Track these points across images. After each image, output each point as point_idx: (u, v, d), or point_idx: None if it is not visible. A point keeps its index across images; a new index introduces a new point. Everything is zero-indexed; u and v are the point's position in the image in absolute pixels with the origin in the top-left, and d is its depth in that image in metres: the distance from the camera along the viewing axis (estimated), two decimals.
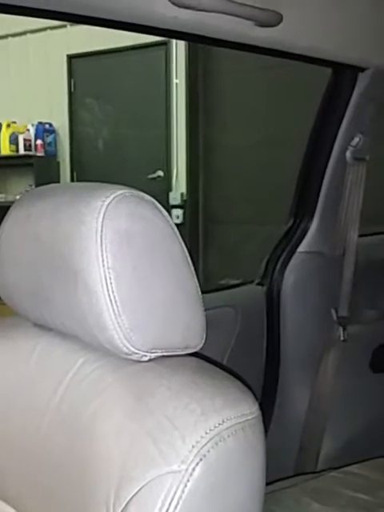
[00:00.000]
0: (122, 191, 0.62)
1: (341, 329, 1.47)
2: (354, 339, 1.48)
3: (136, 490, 0.53)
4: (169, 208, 4.37)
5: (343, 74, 1.34)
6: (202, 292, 0.67)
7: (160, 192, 4.20)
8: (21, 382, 0.71)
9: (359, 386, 1.53)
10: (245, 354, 1.38)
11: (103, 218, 0.60)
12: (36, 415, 0.67)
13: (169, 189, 4.48)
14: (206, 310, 0.67)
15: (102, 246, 0.60)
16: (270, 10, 0.95)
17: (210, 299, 1.31)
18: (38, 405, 0.67)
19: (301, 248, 1.45)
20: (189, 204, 4.43)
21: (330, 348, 1.48)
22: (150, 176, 4.49)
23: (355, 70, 1.31)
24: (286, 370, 1.46)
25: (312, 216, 1.44)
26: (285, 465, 1.47)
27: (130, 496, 0.53)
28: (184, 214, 4.42)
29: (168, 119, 4.48)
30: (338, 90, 1.36)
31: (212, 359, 0.67)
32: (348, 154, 1.38)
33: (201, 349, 0.67)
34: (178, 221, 4.34)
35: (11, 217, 0.73)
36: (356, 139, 1.37)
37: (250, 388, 0.61)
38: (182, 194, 4.44)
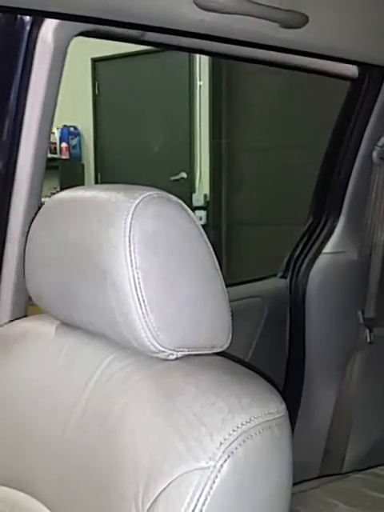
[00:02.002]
0: (149, 193, 0.63)
1: (367, 331, 1.45)
2: (381, 341, 1.47)
3: (164, 486, 0.54)
4: (192, 209, 4.36)
5: (369, 74, 1.33)
6: (230, 285, 0.68)
7: (183, 193, 4.21)
8: (49, 380, 0.73)
9: None
10: (272, 341, 1.42)
11: (132, 218, 0.61)
12: (64, 412, 0.68)
13: (192, 190, 4.49)
14: (234, 300, 0.68)
15: (130, 246, 0.61)
16: (295, 11, 0.95)
17: (237, 291, 1.39)
18: (67, 402, 0.68)
19: (326, 249, 1.44)
20: (212, 205, 4.43)
21: (356, 350, 1.47)
22: (174, 178, 4.50)
23: (381, 70, 1.31)
24: (311, 372, 1.45)
25: (338, 216, 1.44)
26: (310, 467, 1.47)
27: (159, 492, 0.54)
28: (207, 215, 4.42)
29: (191, 121, 4.49)
30: (365, 89, 1.35)
31: (239, 358, 0.67)
32: (375, 154, 1.37)
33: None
34: (201, 222, 4.34)
35: (40, 218, 0.75)
36: (383, 139, 1.36)
37: (276, 387, 0.61)
38: (205, 196, 4.45)
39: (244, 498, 0.55)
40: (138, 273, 0.61)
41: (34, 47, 0.92)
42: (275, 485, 0.57)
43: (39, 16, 0.89)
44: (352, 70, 1.32)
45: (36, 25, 0.91)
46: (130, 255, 0.61)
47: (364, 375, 1.47)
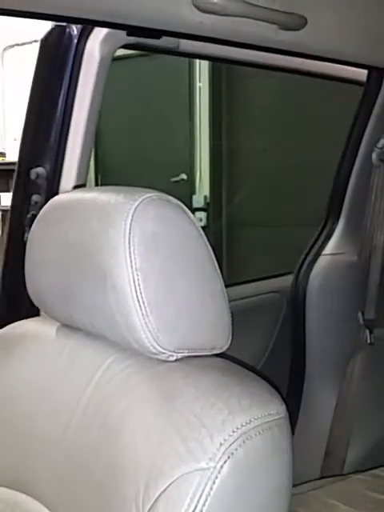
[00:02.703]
0: (149, 194, 0.64)
1: (367, 332, 1.46)
2: (381, 342, 1.47)
3: (164, 487, 0.54)
4: (192, 211, 4.37)
5: (369, 76, 1.33)
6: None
7: (183, 195, 4.21)
8: (50, 381, 0.73)
9: None
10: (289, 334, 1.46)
11: (131, 220, 0.61)
12: (65, 414, 0.68)
13: (192, 192, 4.49)
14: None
15: (130, 248, 0.61)
16: (294, 13, 0.96)
17: (255, 287, 1.44)
18: (67, 403, 0.69)
19: (326, 250, 1.44)
20: (212, 207, 4.44)
21: (356, 351, 1.47)
22: (174, 179, 4.50)
23: (381, 72, 1.31)
24: (311, 373, 1.45)
25: (338, 218, 1.44)
26: (311, 469, 1.47)
27: (159, 493, 0.54)
28: (207, 216, 4.42)
29: (191, 122, 4.49)
30: (364, 91, 1.36)
31: (239, 360, 0.67)
32: (374, 156, 1.38)
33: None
34: (202, 223, 4.34)
35: (40, 220, 0.75)
36: (382, 141, 1.36)
37: (277, 389, 0.62)
38: (205, 197, 4.45)
39: (244, 499, 0.55)
40: (137, 274, 0.61)
41: (81, 58, 1.01)
42: (275, 486, 0.57)
43: (87, 25, 0.98)
44: (351, 72, 1.33)
45: (83, 37, 1.00)
46: (130, 257, 0.61)
47: (365, 376, 1.47)
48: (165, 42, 1.02)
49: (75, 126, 1.04)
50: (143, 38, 1.00)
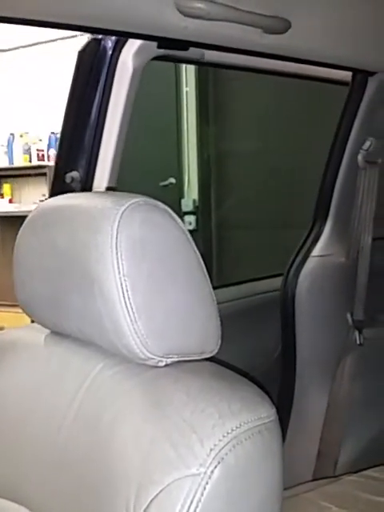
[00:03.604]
0: (136, 199, 0.63)
1: (357, 333, 1.46)
2: (371, 343, 1.48)
3: (155, 494, 0.54)
4: (181, 215, 4.37)
5: (354, 79, 1.34)
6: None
7: (172, 199, 4.22)
8: (39, 388, 0.72)
9: (377, 390, 1.52)
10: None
11: (118, 226, 0.61)
12: (55, 421, 0.68)
13: (181, 196, 4.49)
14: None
15: (117, 253, 0.61)
16: (278, 17, 0.96)
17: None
18: (57, 410, 0.68)
19: (315, 252, 1.45)
20: (201, 210, 4.44)
21: (346, 352, 1.47)
22: (162, 183, 4.50)
23: (365, 74, 1.32)
24: (302, 374, 1.46)
25: (325, 220, 1.45)
26: (303, 471, 1.47)
27: (150, 499, 0.54)
28: (196, 220, 4.42)
29: (179, 127, 4.49)
30: (349, 93, 1.36)
31: (228, 364, 0.67)
32: (360, 158, 1.38)
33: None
34: (191, 227, 4.34)
35: (28, 226, 0.75)
36: (367, 143, 1.37)
37: (267, 392, 0.62)
38: (194, 201, 4.45)
39: (235, 504, 0.55)
40: (125, 280, 0.61)
41: (115, 69, 1.07)
42: (266, 489, 0.57)
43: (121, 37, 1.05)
44: (337, 73, 1.33)
45: (117, 50, 1.06)
46: (118, 262, 0.61)
47: (355, 377, 1.47)
48: (191, 53, 1.10)
49: (108, 133, 1.11)
50: (172, 50, 1.08)
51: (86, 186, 1.12)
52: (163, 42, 1.03)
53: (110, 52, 1.07)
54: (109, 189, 1.14)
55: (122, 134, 1.11)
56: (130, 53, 1.07)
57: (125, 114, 1.10)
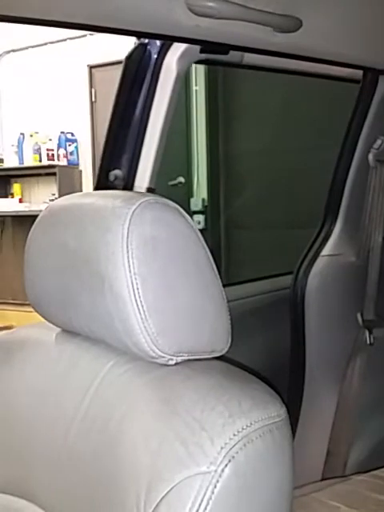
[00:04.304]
0: (147, 198, 0.64)
1: (367, 332, 1.46)
2: (381, 343, 1.47)
3: (166, 491, 0.54)
4: (190, 214, 4.38)
5: (364, 77, 1.34)
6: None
7: (181, 198, 4.22)
8: (50, 386, 0.73)
9: None
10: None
11: (129, 224, 0.61)
12: (65, 418, 0.68)
13: (190, 195, 4.49)
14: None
15: (128, 252, 0.61)
16: (289, 15, 0.96)
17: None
18: (67, 408, 0.68)
19: (324, 251, 1.45)
20: (210, 210, 4.44)
21: (356, 352, 1.47)
22: (171, 182, 4.50)
23: (375, 73, 1.31)
24: (311, 374, 1.45)
25: (336, 219, 1.44)
26: (313, 470, 1.47)
27: (160, 497, 0.54)
28: (205, 219, 4.42)
29: (188, 126, 4.49)
30: (360, 92, 1.36)
31: (238, 362, 0.67)
32: (370, 157, 1.38)
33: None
34: (200, 226, 4.34)
35: (39, 225, 0.75)
36: (379, 141, 1.37)
37: (277, 391, 0.62)
38: (203, 200, 4.45)
39: (246, 502, 0.55)
40: (136, 278, 0.61)
41: (159, 73, 1.12)
42: (276, 488, 0.57)
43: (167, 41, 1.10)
44: (348, 71, 1.33)
45: (162, 54, 1.11)
46: (128, 261, 0.61)
47: (365, 377, 1.47)
48: (231, 56, 1.14)
49: (150, 134, 1.16)
50: (213, 54, 1.12)
51: (128, 184, 1.18)
52: (173, 40, 1.03)
53: (154, 56, 1.12)
54: (149, 190, 1.20)
55: (163, 136, 1.17)
56: (174, 57, 1.13)
57: (167, 116, 1.16)
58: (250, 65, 1.25)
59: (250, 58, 1.20)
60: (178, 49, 1.12)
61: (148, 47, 1.13)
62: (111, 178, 1.18)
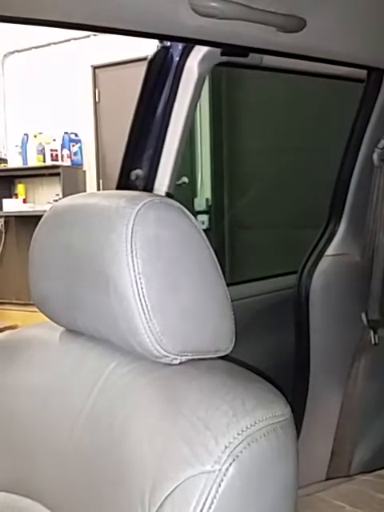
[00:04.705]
0: (151, 198, 0.64)
1: (372, 332, 1.45)
2: None
3: (170, 490, 0.54)
4: (194, 214, 4.37)
5: (369, 77, 1.33)
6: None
7: (185, 198, 4.22)
8: (54, 385, 0.73)
9: None
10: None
11: (133, 224, 0.62)
12: (70, 418, 0.68)
13: (194, 195, 4.49)
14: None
15: (132, 252, 0.61)
16: (293, 15, 0.96)
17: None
18: (72, 408, 0.69)
19: (329, 251, 1.44)
20: (214, 210, 4.44)
21: (361, 352, 1.46)
22: (175, 183, 4.51)
23: (380, 72, 1.31)
24: (316, 374, 1.45)
25: (340, 219, 1.44)
26: (317, 470, 1.46)
27: (165, 496, 0.54)
28: (209, 219, 4.42)
29: (192, 125, 4.50)
30: (364, 92, 1.36)
31: (242, 362, 0.67)
32: (375, 157, 1.38)
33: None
34: (204, 226, 4.34)
35: (43, 225, 0.75)
36: (383, 141, 1.36)
37: (281, 391, 0.62)
38: (207, 200, 4.45)
39: (250, 502, 0.55)
40: (140, 278, 0.61)
41: (181, 75, 1.14)
42: (281, 488, 0.57)
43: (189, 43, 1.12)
44: (353, 70, 1.33)
45: (183, 57, 1.13)
46: (132, 261, 0.61)
47: (369, 377, 1.47)
48: (250, 59, 1.18)
49: (171, 135, 1.19)
50: (233, 57, 1.15)
51: (148, 183, 1.21)
52: (176, 40, 1.03)
53: (176, 59, 1.14)
54: (167, 195, 1.22)
55: (183, 137, 1.20)
56: (195, 60, 1.15)
57: (187, 118, 1.18)
58: (270, 67, 1.28)
59: (270, 60, 1.23)
60: (199, 52, 1.14)
61: (170, 50, 1.15)
62: (132, 177, 1.22)
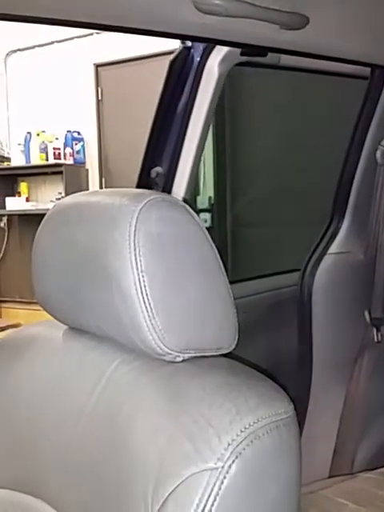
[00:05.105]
0: (154, 196, 0.64)
1: (374, 330, 1.45)
2: None
3: (173, 487, 0.54)
4: (197, 212, 4.37)
5: (372, 74, 1.33)
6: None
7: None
8: (58, 383, 0.73)
9: None
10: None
11: (136, 222, 0.62)
12: (72, 415, 0.69)
13: (196, 193, 4.49)
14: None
15: (135, 250, 0.61)
16: (296, 12, 0.95)
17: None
18: (75, 405, 0.69)
19: (332, 249, 1.44)
20: (216, 208, 4.44)
21: (364, 350, 1.46)
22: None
23: (383, 70, 1.31)
24: (318, 372, 1.45)
25: (343, 217, 1.44)
26: (320, 468, 1.47)
27: (168, 493, 0.54)
28: (212, 217, 4.42)
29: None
30: (367, 89, 1.35)
31: (245, 359, 0.68)
32: (378, 154, 1.38)
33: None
34: (206, 224, 4.34)
35: (47, 223, 0.76)
36: None
37: (284, 388, 0.62)
38: (209, 198, 4.45)
39: (253, 498, 0.55)
40: (143, 276, 0.61)
41: (201, 75, 1.17)
42: (284, 485, 0.57)
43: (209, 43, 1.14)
44: (356, 68, 1.32)
45: (204, 56, 1.15)
46: (136, 259, 0.61)
47: (372, 374, 1.47)
48: (269, 59, 1.19)
49: (191, 134, 1.21)
50: (252, 57, 1.16)
51: (168, 180, 1.23)
52: (180, 38, 1.04)
53: (197, 59, 1.16)
54: (184, 200, 1.26)
55: (203, 136, 1.21)
56: (216, 60, 1.17)
57: (207, 117, 1.20)
58: (287, 66, 1.29)
59: (287, 60, 1.24)
60: (220, 52, 1.16)
61: (191, 50, 1.17)
62: (153, 174, 1.24)
